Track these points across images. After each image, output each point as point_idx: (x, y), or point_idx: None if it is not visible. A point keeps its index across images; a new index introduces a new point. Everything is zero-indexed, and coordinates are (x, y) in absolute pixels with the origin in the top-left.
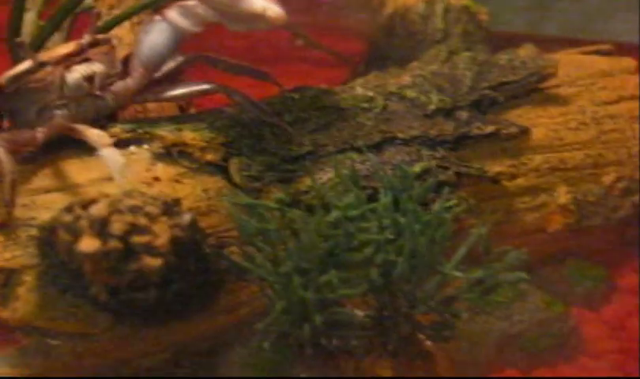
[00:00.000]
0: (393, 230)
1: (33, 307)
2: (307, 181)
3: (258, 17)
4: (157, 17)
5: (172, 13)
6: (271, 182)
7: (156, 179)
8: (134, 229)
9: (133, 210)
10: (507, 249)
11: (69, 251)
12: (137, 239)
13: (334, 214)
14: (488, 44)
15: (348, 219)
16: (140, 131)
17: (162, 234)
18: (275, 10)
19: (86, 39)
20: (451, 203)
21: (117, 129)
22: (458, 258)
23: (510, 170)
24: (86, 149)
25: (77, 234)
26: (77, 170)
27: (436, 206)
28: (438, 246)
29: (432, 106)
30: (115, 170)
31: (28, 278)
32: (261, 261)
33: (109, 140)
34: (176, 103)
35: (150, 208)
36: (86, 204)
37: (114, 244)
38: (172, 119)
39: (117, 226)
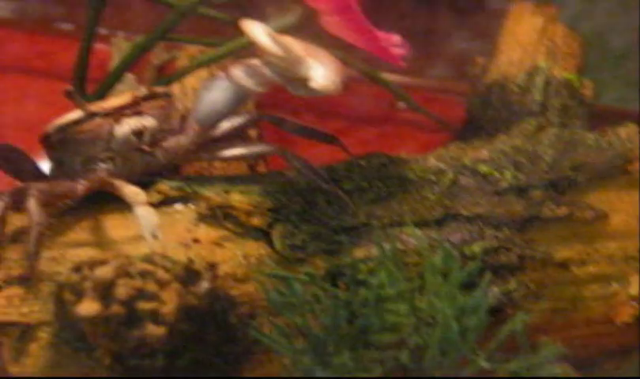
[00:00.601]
0: (429, 312)
1: (44, 365)
2: (355, 254)
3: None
4: (220, 74)
5: (236, 71)
6: (315, 253)
7: (196, 241)
8: (141, 294)
9: (144, 274)
10: (546, 342)
11: (72, 312)
12: (143, 305)
13: (365, 291)
14: (590, 120)
15: (382, 298)
16: (187, 190)
17: (169, 301)
18: (320, 82)
19: (142, 91)
20: (510, 287)
21: (164, 186)
22: (493, 347)
23: (580, 257)
24: (128, 205)
25: (80, 296)
26: (115, 226)
27: (477, 291)
28: (471, 333)
29: (504, 184)
30: (147, 230)
31: (44, 334)
32: (277, 335)
33: (144, 198)
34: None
35: (162, 274)
36: (95, 265)
37: (115, 309)
38: (225, 179)
39: (121, 290)
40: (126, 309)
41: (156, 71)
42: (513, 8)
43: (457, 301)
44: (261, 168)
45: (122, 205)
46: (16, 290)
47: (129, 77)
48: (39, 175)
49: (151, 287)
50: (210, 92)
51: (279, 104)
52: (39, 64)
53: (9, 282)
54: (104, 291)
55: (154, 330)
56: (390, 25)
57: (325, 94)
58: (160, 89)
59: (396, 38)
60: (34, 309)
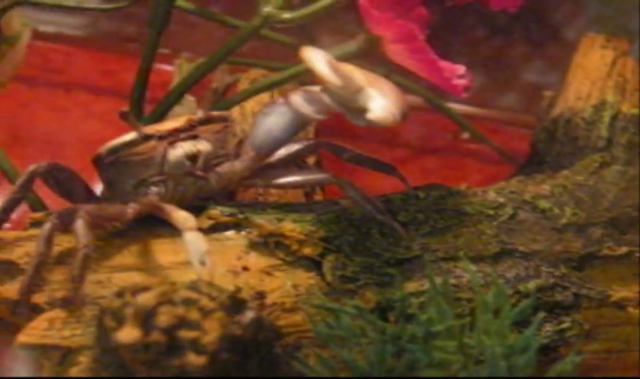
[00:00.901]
0: (478, 350)
1: None
2: (407, 288)
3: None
4: (280, 100)
5: (296, 97)
6: (366, 285)
7: (245, 269)
8: (183, 323)
9: (187, 302)
10: None
11: (112, 338)
12: (184, 334)
13: (413, 327)
14: None
15: (431, 333)
16: (240, 216)
17: (212, 330)
18: (378, 113)
19: (199, 115)
20: (563, 326)
21: (216, 211)
22: None
23: (637, 297)
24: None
25: (121, 321)
26: (164, 251)
27: (527, 330)
28: (520, 373)
29: (564, 220)
30: (194, 256)
31: (84, 359)
32: (321, 367)
33: (194, 224)
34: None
35: (206, 302)
36: (137, 291)
37: (156, 336)
38: (279, 207)
39: (163, 318)
40: (167, 337)
41: (214, 94)
42: (584, 40)
43: (507, 339)
44: (318, 196)
45: (172, 230)
46: (58, 313)
47: (190, 100)
48: (89, 197)
49: (193, 315)
50: (268, 118)
51: (340, 131)
52: (105, 82)
53: (52, 304)
54: (145, 318)
55: (195, 359)
56: (463, 53)
57: (384, 125)
58: (217, 113)
59: (460, 68)
60: (76, 333)
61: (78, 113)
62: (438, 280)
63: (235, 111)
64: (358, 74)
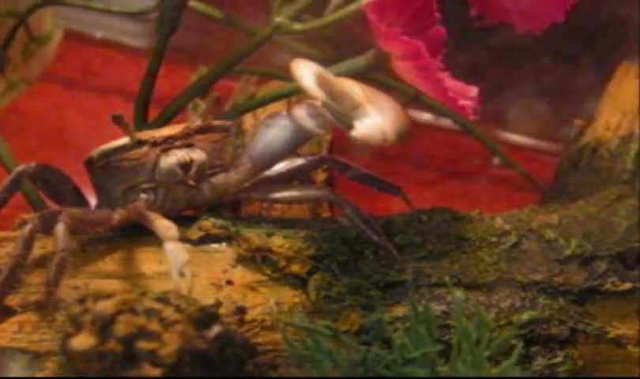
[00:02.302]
0: None
1: None
2: (395, 311)
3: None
4: (283, 112)
5: (299, 111)
6: (351, 306)
7: (229, 283)
8: (142, 333)
9: (148, 313)
10: None
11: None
12: (142, 345)
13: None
14: None
15: (407, 360)
16: (232, 229)
17: (171, 343)
18: (361, 130)
19: (196, 123)
20: (556, 361)
21: (208, 223)
22: None
23: (638, 335)
24: None
25: (79, 329)
26: (147, 259)
27: (505, 364)
28: None
29: (568, 252)
30: (173, 267)
31: (50, 365)
32: None
33: (175, 234)
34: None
35: (169, 313)
36: (99, 298)
37: (111, 345)
38: (274, 222)
39: (121, 327)
40: (124, 347)
41: (215, 102)
42: (619, 69)
43: (483, 370)
44: (326, 213)
45: (160, 239)
46: (30, 317)
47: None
48: (77, 200)
49: (154, 326)
50: (269, 130)
51: (370, 150)
52: (132, 89)
53: (25, 307)
54: (103, 326)
55: (150, 371)
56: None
57: (372, 144)
58: (217, 122)
59: (472, 89)
60: (45, 338)
61: (110, 118)
62: (419, 307)
63: (247, 121)
64: (357, 90)
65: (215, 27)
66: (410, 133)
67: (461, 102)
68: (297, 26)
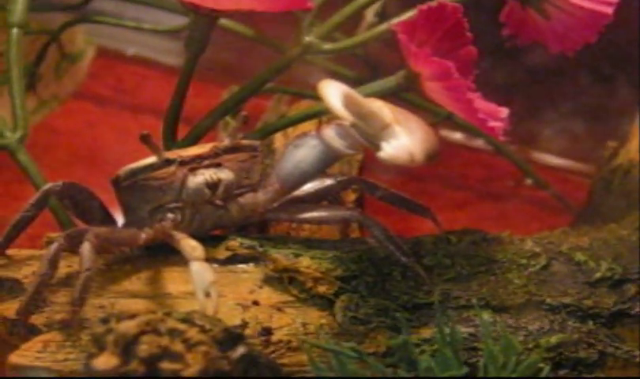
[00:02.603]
0: None
1: None
2: (423, 333)
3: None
4: (312, 132)
5: (328, 131)
6: (378, 328)
7: (255, 303)
8: (165, 354)
9: (172, 333)
10: None
11: (89, 365)
12: (165, 365)
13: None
14: None
15: None
16: (259, 249)
17: (194, 363)
18: (388, 151)
19: (225, 142)
20: None
21: (235, 243)
22: None
23: None
24: None
25: (102, 348)
26: (173, 279)
27: None
28: None
29: (598, 274)
30: (199, 287)
31: None
32: None
33: (202, 254)
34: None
35: (193, 334)
36: (122, 318)
37: (134, 366)
38: (302, 242)
39: (144, 347)
40: (146, 368)
41: (243, 122)
42: None
43: None
44: (355, 234)
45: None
46: (55, 336)
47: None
48: (104, 219)
49: (177, 346)
50: (298, 150)
51: (401, 170)
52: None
53: (50, 326)
54: (126, 346)
55: None
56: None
57: (400, 164)
58: (246, 142)
59: (502, 110)
60: (69, 357)
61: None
62: (446, 329)
63: (278, 141)
64: (386, 110)
65: (249, 45)
66: (439, 153)
67: (491, 123)
68: (327, 46)
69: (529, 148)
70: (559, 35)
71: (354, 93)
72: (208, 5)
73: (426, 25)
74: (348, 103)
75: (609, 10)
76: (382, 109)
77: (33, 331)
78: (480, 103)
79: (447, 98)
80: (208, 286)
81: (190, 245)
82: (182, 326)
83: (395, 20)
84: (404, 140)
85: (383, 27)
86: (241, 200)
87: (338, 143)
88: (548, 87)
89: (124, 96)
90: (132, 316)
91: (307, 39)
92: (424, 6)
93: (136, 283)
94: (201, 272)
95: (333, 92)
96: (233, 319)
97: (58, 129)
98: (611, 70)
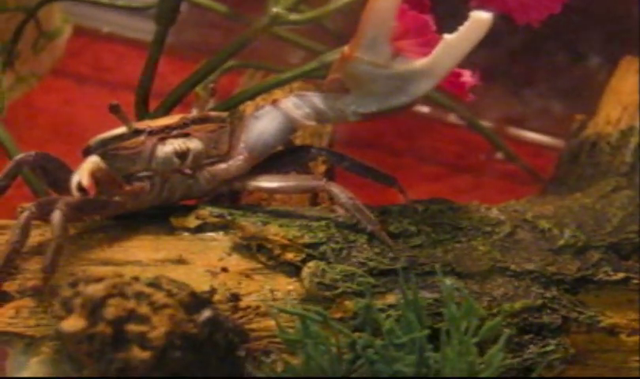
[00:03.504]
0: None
1: None
2: (388, 299)
3: None
4: (271, 104)
5: (286, 102)
6: (345, 294)
7: (224, 270)
8: (132, 316)
9: (139, 296)
10: None
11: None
12: (132, 328)
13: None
14: None
15: (396, 346)
16: (228, 218)
17: (160, 326)
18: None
19: (193, 113)
20: (548, 349)
21: (205, 212)
22: None
23: (631, 324)
24: (166, 227)
25: (70, 312)
26: (145, 247)
27: (492, 350)
28: None
29: (561, 242)
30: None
31: (46, 349)
32: (275, 373)
33: None
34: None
35: (159, 297)
36: (90, 282)
37: (101, 328)
38: (270, 211)
39: (111, 310)
40: (113, 330)
41: (211, 93)
42: (621, 63)
43: (470, 356)
44: (324, 203)
45: (157, 228)
46: (27, 302)
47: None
48: None
49: (143, 309)
50: (259, 121)
51: (377, 144)
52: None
53: (22, 293)
54: (93, 309)
55: (139, 354)
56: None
57: None
58: (214, 113)
59: (466, 72)
60: (41, 323)
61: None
62: (409, 293)
63: (249, 111)
64: None
65: (227, 24)
66: None
67: (461, 80)
68: (294, 16)
69: (506, 125)
70: (523, 6)
71: None
72: None
73: None
74: None
75: None
76: None
77: (5, 297)
78: None
79: (419, 54)
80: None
81: None
82: (148, 290)
83: None
84: None
85: None
86: (210, 169)
87: (295, 113)
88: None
89: (102, 74)
90: (99, 279)
91: (274, 10)
92: None
93: (107, 250)
94: None
95: None
96: (202, 285)
97: (38, 106)
98: (586, 48)
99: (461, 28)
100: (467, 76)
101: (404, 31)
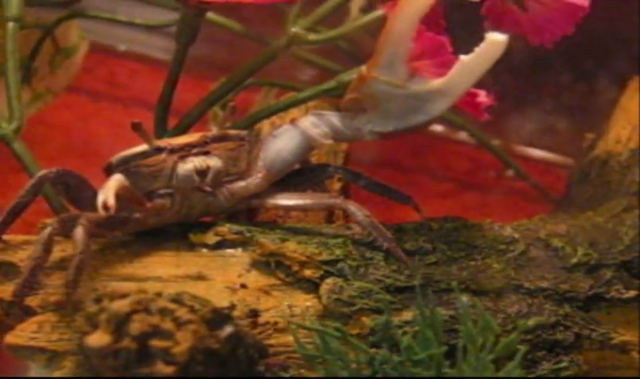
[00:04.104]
0: None
1: None
2: (405, 316)
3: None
4: (289, 123)
5: (304, 121)
6: (362, 310)
7: (243, 286)
8: (156, 332)
9: (162, 312)
10: None
11: (83, 343)
12: (156, 343)
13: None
14: None
15: (414, 362)
16: (247, 234)
17: (184, 341)
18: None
19: (213, 131)
20: (560, 365)
21: (224, 228)
22: None
23: None
24: (185, 243)
25: (95, 327)
26: (164, 263)
27: (509, 366)
28: None
29: (574, 260)
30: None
31: (68, 364)
32: None
33: None
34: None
35: (182, 313)
36: (115, 297)
37: (126, 343)
38: (288, 228)
39: (135, 325)
40: (138, 345)
41: (232, 112)
42: (630, 83)
43: (487, 371)
44: (339, 221)
45: (177, 244)
46: (49, 317)
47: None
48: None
49: (167, 325)
50: (277, 140)
51: (388, 162)
52: None
53: (45, 308)
54: (118, 325)
55: (163, 369)
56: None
57: None
58: (233, 131)
59: (481, 92)
60: (63, 338)
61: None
62: (426, 310)
63: (265, 129)
64: None
65: (244, 42)
66: None
67: (477, 99)
68: (312, 36)
69: (513, 142)
70: (537, 28)
71: None
72: None
73: None
74: None
75: (585, 3)
76: None
77: (28, 312)
78: None
79: (436, 75)
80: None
81: None
82: (172, 306)
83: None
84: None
85: (367, 18)
86: (229, 187)
87: (313, 132)
88: (533, 83)
89: (116, 90)
90: (124, 295)
91: (293, 30)
92: None
93: (128, 266)
94: None
95: None
96: (222, 301)
97: (53, 123)
98: (595, 66)
99: (477, 49)
100: (482, 97)
101: (421, 52)
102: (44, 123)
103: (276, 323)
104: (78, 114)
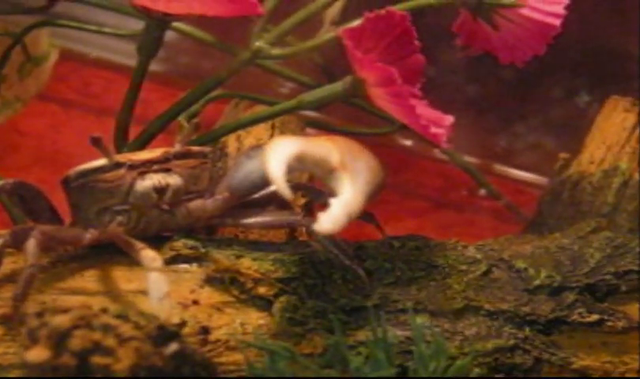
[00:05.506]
0: None
1: None
2: (359, 336)
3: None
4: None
5: None
6: (315, 330)
7: (195, 303)
8: (97, 348)
9: (105, 328)
10: None
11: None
12: (97, 360)
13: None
14: None
15: None
16: (202, 250)
17: (125, 358)
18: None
19: (175, 148)
20: None
21: (179, 243)
22: None
23: (604, 367)
24: None
25: (35, 342)
26: (117, 277)
27: None
28: None
29: (537, 282)
30: (154, 296)
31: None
32: None
33: (160, 265)
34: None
35: (126, 329)
36: (57, 312)
37: (65, 359)
38: (245, 244)
39: (76, 341)
40: (78, 361)
41: (195, 128)
42: (607, 102)
43: None
44: (302, 238)
45: (131, 259)
46: None
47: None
48: (52, 218)
49: (109, 341)
50: (250, 161)
51: None
52: (137, 111)
53: None
54: (59, 340)
55: None
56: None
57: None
58: (196, 148)
59: (447, 118)
60: (9, 351)
61: (105, 139)
62: (379, 331)
63: (231, 145)
64: (334, 155)
65: (219, 53)
66: (384, 186)
67: (434, 130)
68: (276, 51)
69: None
70: (508, 46)
71: (301, 146)
72: (160, 8)
73: (373, 33)
74: (295, 160)
75: (557, 22)
76: (330, 153)
77: None
78: (424, 110)
79: (391, 104)
80: (163, 296)
81: (149, 257)
82: (115, 322)
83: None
84: (345, 195)
85: (332, 33)
86: (188, 205)
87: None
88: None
89: (89, 99)
90: (66, 310)
91: (257, 44)
92: (371, 14)
93: (79, 280)
94: (158, 282)
95: (276, 157)
96: (173, 317)
97: (23, 131)
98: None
99: None
100: (445, 124)
101: (374, 81)
102: (15, 131)
103: (227, 341)
104: (49, 122)
